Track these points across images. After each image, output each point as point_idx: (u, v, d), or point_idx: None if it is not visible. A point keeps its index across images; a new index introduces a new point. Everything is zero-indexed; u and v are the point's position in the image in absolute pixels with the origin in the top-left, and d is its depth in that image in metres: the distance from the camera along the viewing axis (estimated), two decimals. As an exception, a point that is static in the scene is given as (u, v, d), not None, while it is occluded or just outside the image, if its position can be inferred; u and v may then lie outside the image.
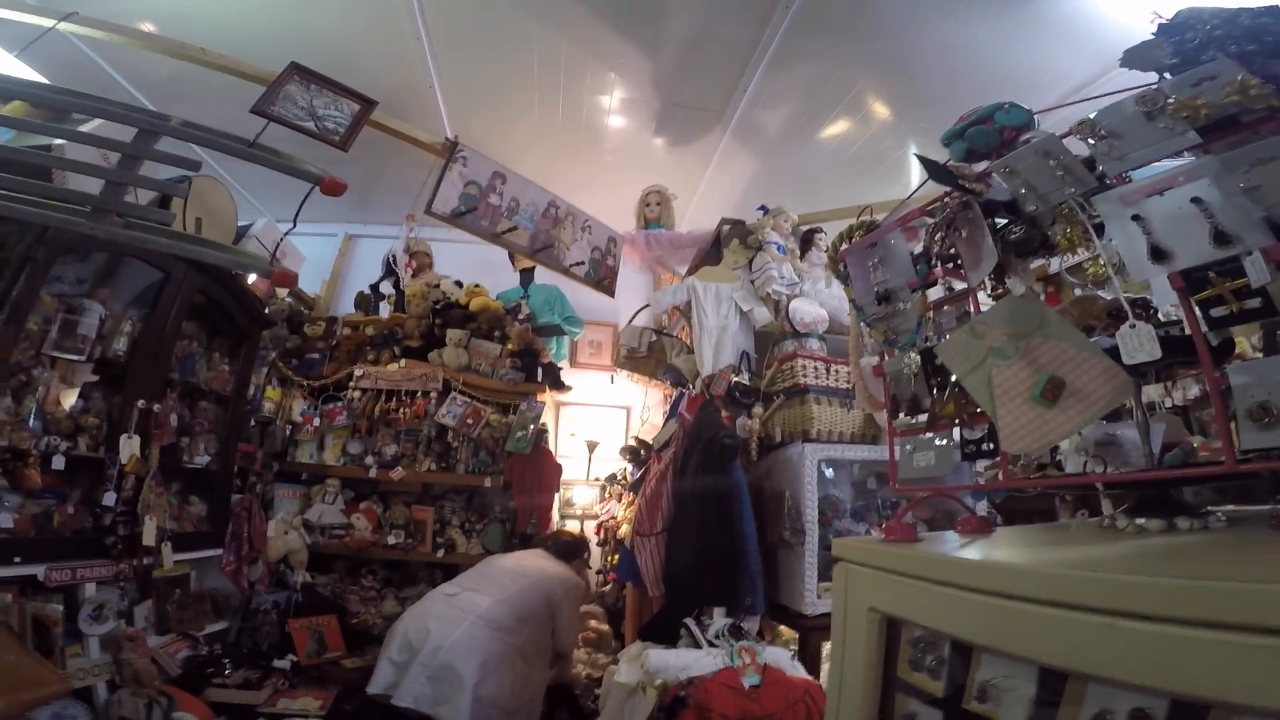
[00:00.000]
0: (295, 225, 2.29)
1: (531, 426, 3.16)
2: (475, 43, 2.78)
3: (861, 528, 2.31)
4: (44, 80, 2.68)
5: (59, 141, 2.26)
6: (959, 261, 1.10)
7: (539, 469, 3.20)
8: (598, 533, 3.61)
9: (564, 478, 3.43)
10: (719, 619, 2.08)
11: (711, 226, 3.12)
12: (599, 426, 3.78)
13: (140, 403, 2.14)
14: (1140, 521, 0.92)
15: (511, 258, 3.73)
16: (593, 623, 3.30)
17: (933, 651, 0.89)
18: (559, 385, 3.42)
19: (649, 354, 2.88)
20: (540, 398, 3.30)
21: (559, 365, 3.54)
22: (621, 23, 2.64)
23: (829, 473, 2.32)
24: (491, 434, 3.17)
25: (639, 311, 3.07)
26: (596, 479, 3.64)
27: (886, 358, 1.20)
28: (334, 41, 2.69)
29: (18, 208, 1.87)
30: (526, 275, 3.76)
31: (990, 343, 0.94)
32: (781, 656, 1.99)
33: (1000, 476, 0.98)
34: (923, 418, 1.10)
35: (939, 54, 2.65)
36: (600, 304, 3.64)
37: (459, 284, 3.49)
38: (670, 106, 3.13)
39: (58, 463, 1.97)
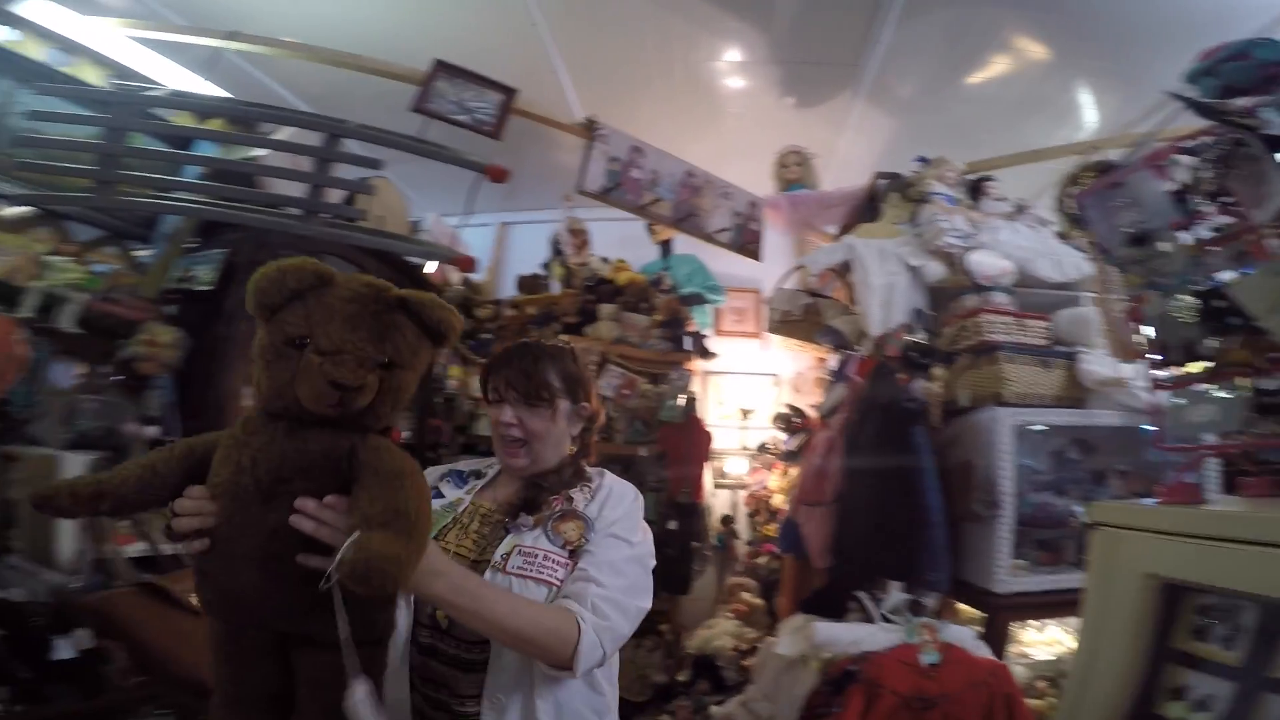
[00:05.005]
0: (470, 213, 2.45)
1: (682, 396, 3.20)
2: (587, 23, 2.80)
3: (1061, 503, 2.12)
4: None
5: (259, 151, 2.53)
6: (1227, 199, 0.97)
7: (691, 438, 3.24)
8: (748, 503, 3.60)
9: (714, 447, 3.44)
10: (895, 594, 1.99)
11: (856, 184, 2.95)
12: (747, 394, 3.75)
13: (351, 386, 2.37)
14: None
15: (649, 230, 3.76)
16: (745, 595, 3.31)
17: (1228, 619, 0.81)
18: (706, 353, 3.43)
19: (804, 317, 2.80)
20: (688, 366, 3.32)
21: (704, 333, 3.55)
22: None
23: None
24: (645, 404, 3.24)
25: (789, 274, 2.99)
26: (746, 448, 3.62)
27: (1145, 302, 1.07)
28: (457, 35, 2.78)
29: (244, 215, 2.13)
30: (666, 247, 3.78)
31: (1301, 279, 0.81)
32: (965, 635, 1.89)
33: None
34: (1195, 367, 0.98)
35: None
36: (742, 270, 3.58)
37: (605, 260, 3.58)
38: (796, 65, 2.99)
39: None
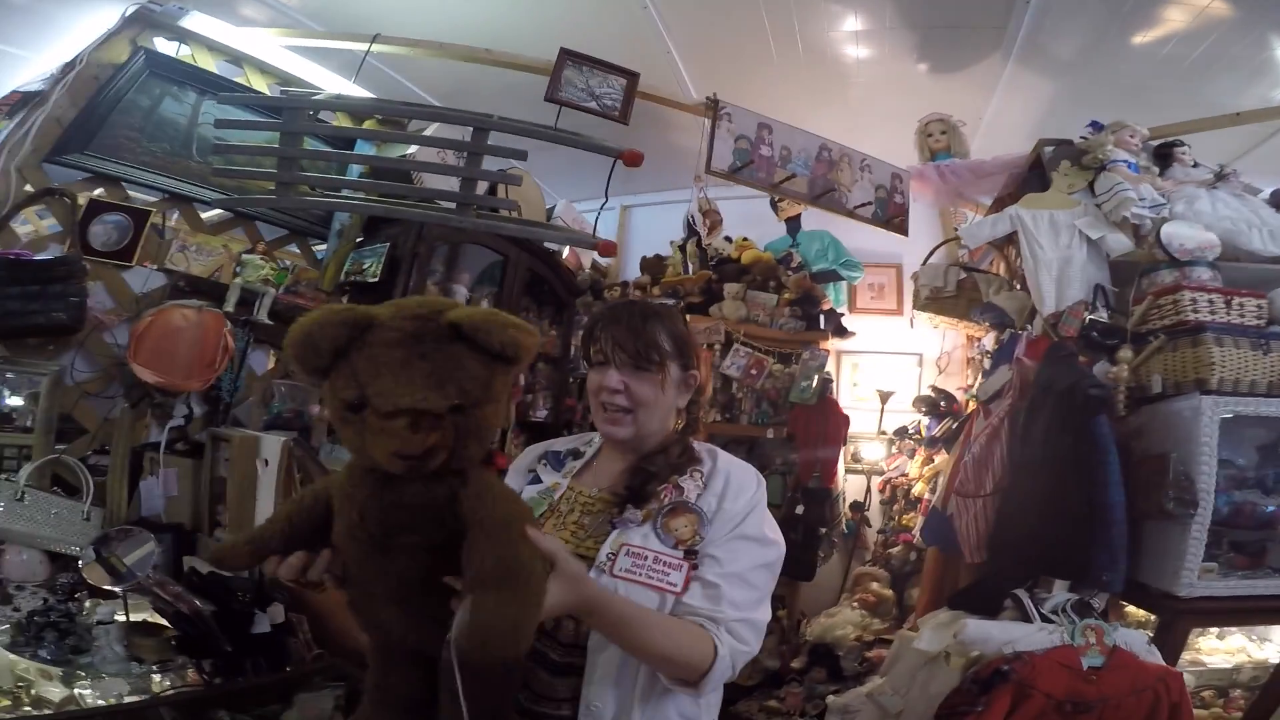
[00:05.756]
0: (606, 198, 2.47)
1: (816, 377, 3.12)
2: (699, 1, 2.73)
3: (1268, 502, 1.90)
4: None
5: (413, 149, 2.64)
6: None
7: (825, 421, 3.15)
8: (882, 489, 3.48)
9: (849, 430, 3.34)
10: (1059, 593, 1.87)
11: (1014, 152, 2.72)
12: (885, 376, 3.60)
13: (501, 367, 2.49)
14: None
15: (774, 207, 3.66)
16: (874, 585, 3.21)
17: None
18: (842, 332, 3.32)
19: (957, 293, 2.64)
20: (822, 346, 3.23)
21: (839, 312, 3.44)
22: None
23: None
24: (774, 385, 3.20)
25: (938, 247, 2.82)
26: (883, 433, 3.49)
27: None
28: (570, 23, 2.78)
29: (408, 210, 2.24)
30: (793, 223, 3.66)
31: None
32: (1136, 639, 1.75)
33: None
34: None
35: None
36: (879, 244, 3.42)
37: (728, 239, 3.53)
38: (934, 30, 2.79)
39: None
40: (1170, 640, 1.86)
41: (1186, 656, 2.04)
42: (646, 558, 0.97)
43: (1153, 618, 2.02)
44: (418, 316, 0.75)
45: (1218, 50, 2.64)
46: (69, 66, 2.10)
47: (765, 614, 1.01)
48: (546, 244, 2.83)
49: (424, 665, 0.85)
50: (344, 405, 0.75)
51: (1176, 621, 1.88)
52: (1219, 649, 2.25)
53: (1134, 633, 1.78)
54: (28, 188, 1.98)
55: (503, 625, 0.68)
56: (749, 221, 3.73)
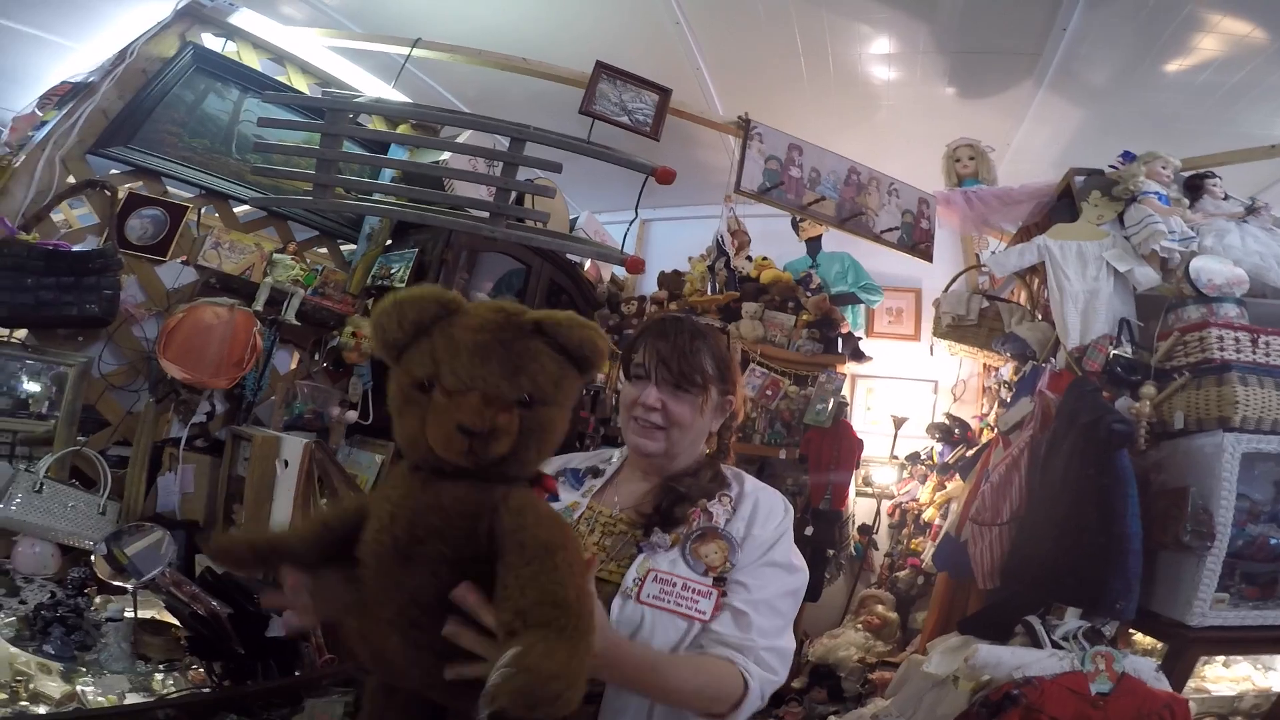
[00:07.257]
0: (637, 215, 2.49)
1: (831, 400, 3.11)
2: (731, 20, 2.77)
3: (1285, 536, 1.90)
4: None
5: (445, 155, 2.66)
6: None
7: (839, 444, 3.14)
8: (891, 514, 3.47)
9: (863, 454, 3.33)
10: (1071, 620, 1.88)
11: (1043, 180, 2.73)
12: (900, 401, 3.60)
13: (523, 377, 2.49)
14: None
15: (795, 227, 3.67)
16: (879, 608, 3.21)
17: None
18: (859, 356, 3.32)
19: (980, 321, 2.63)
20: (839, 369, 3.23)
21: (856, 335, 3.44)
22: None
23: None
24: (789, 406, 3.19)
25: (961, 274, 2.82)
26: (895, 457, 3.49)
27: None
28: (600, 35, 2.81)
29: (441, 217, 2.26)
30: (813, 244, 3.67)
31: None
32: (1144, 666, 1.76)
33: None
34: None
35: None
36: (898, 268, 3.45)
37: (749, 258, 3.54)
38: (966, 56, 2.82)
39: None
40: (1179, 668, 1.87)
41: (1191, 684, 2.03)
42: (675, 584, 0.94)
43: (1159, 645, 2.04)
44: (503, 310, 0.75)
45: (1253, 79, 2.64)
46: (119, 58, 2.12)
47: (790, 642, 0.99)
48: (570, 256, 2.85)
49: (425, 712, 0.78)
50: (413, 383, 0.72)
51: (1186, 650, 1.90)
52: (1224, 677, 2.26)
53: (1143, 660, 1.79)
54: (70, 179, 2.00)
55: (551, 677, 0.57)
56: (768, 240, 3.75)
